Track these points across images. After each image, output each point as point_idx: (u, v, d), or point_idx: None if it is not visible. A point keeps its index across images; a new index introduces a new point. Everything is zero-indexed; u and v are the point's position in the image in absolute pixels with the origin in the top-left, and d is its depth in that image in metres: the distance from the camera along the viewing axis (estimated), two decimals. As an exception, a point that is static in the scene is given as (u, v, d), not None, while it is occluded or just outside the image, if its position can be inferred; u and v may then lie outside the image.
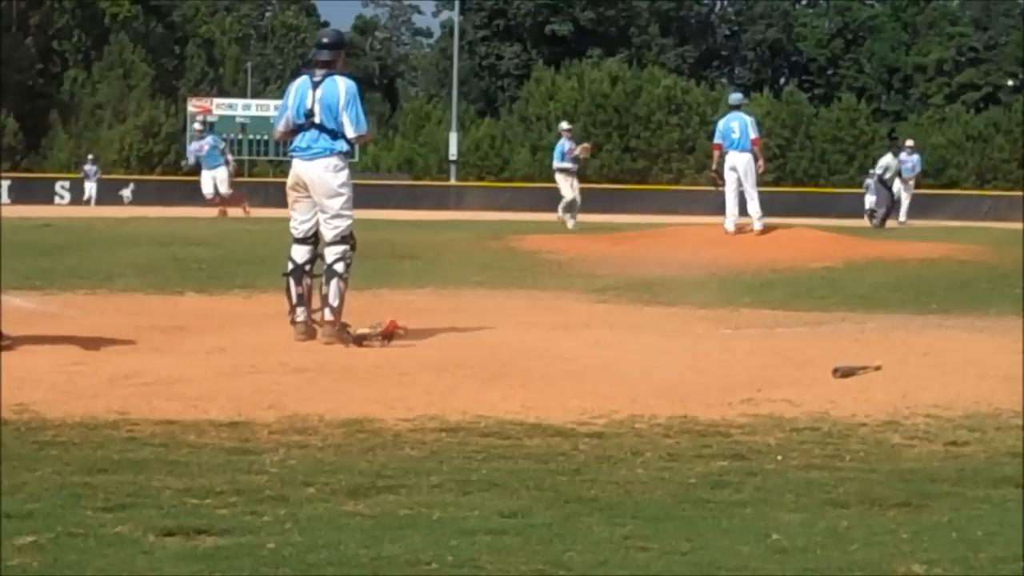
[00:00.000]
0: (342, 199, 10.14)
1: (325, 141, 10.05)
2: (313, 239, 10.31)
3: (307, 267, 10.26)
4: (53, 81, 64.29)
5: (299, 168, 10.17)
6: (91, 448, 6.18)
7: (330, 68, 10.20)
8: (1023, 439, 6.79)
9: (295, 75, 10.45)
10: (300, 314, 10.11)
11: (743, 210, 21.12)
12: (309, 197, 10.17)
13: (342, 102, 10.00)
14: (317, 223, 10.24)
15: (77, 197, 49.34)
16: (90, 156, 52.16)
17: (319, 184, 10.09)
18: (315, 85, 10.08)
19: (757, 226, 20.89)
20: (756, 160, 20.97)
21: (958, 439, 6.84)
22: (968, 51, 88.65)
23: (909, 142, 37.80)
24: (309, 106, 10.04)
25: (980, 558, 4.60)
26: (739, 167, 20.94)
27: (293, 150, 10.24)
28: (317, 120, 10.02)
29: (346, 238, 10.15)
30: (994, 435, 6.94)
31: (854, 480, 5.82)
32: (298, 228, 10.29)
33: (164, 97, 63.43)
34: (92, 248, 18.93)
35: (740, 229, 20.99)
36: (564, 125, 30.62)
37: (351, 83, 10.19)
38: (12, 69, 60.87)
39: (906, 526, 5.03)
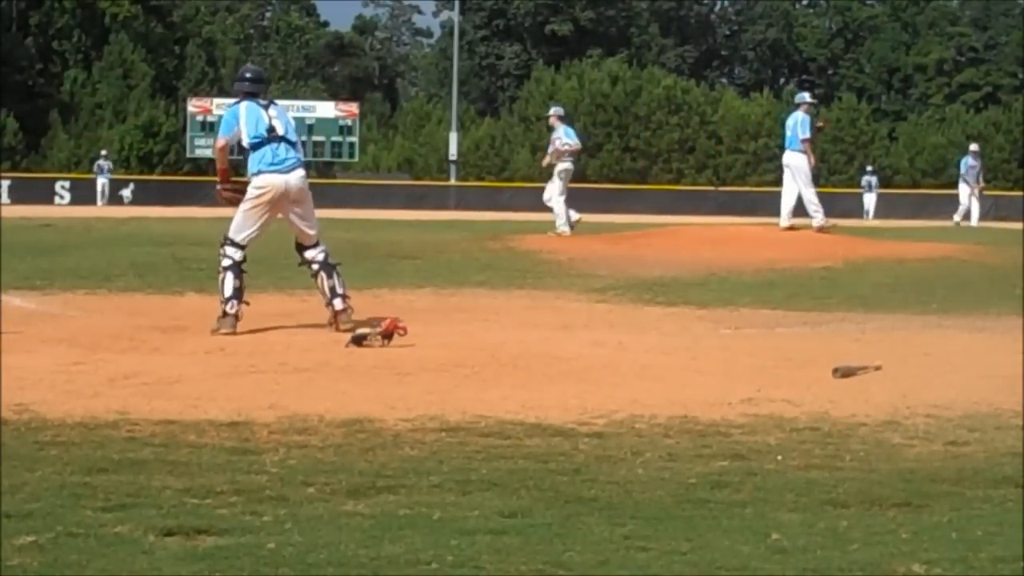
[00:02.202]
0: (312, 204, 10.91)
1: (293, 152, 10.74)
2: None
3: (243, 264, 10.69)
4: (53, 81, 64.25)
5: (277, 181, 10.59)
6: (91, 448, 6.18)
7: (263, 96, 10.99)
8: (1023, 439, 6.80)
9: (247, 94, 10.95)
10: (233, 307, 10.43)
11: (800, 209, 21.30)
12: (269, 213, 10.70)
13: (294, 124, 11.01)
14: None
15: (80, 196, 49.28)
16: (103, 152, 52.17)
17: (302, 193, 10.75)
18: (265, 107, 10.80)
19: (817, 222, 21.00)
20: (808, 157, 21.07)
21: (958, 439, 6.84)
22: (968, 51, 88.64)
23: (974, 147, 37.23)
24: (268, 122, 10.69)
25: (980, 558, 4.61)
26: (791, 165, 21.12)
27: (266, 168, 10.61)
28: (281, 132, 10.69)
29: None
30: (994, 435, 6.94)
31: (854, 480, 5.82)
32: (247, 237, 10.70)
33: (164, 97, 63.39)
34: (92, 248, 18.93)
35: (792, 227, 21.06)
36: (553, 110, 23.83)
37: None
38: (12, 69, 60.84)
39: (906, 526, 5.04)
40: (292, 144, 10.72)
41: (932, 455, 6.48)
